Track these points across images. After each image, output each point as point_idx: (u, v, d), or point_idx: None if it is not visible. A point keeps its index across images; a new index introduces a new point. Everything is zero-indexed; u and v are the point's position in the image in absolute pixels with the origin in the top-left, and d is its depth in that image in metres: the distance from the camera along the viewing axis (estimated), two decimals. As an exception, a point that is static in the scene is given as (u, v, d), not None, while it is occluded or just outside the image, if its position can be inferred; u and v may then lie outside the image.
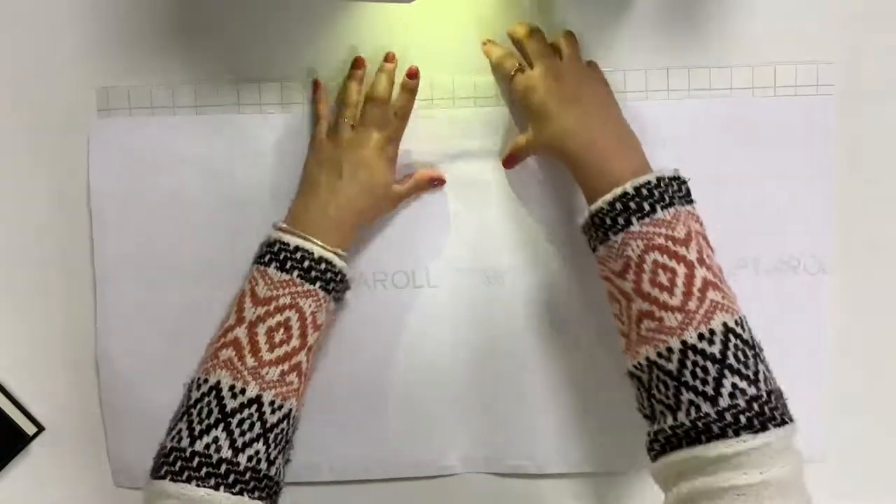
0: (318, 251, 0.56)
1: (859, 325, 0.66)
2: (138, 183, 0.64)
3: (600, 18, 0.63)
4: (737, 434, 0.45)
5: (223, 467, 0.50)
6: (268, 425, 0.53)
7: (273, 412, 0.53)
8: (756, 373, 0.48)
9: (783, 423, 0.47)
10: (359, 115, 0.60)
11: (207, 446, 0.50)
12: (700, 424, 0.47)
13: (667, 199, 0.51)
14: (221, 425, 0.51)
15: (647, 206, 0.51)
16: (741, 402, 0.46)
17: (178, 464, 0.50)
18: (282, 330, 0.54)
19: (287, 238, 0.56)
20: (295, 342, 0.55)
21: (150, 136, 0.64)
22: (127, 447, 0.66)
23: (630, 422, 0.61)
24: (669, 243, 0.50)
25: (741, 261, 0.64)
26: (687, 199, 0.53)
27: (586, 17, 0.63)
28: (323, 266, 0.56)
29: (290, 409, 0.54)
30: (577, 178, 0.57)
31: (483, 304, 0.64)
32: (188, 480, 0.49)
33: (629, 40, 0.63)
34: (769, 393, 0.47)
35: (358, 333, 0.64)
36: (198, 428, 0.51)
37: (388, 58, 0.61)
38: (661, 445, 0.50)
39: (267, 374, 0.53)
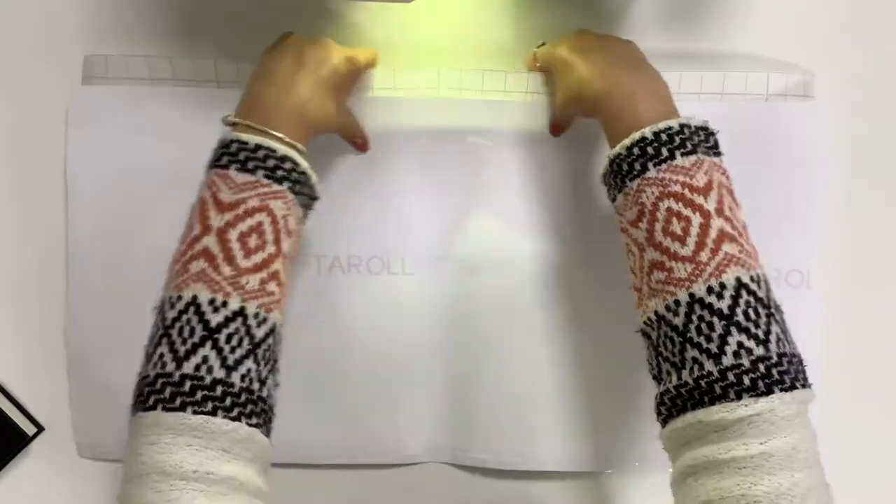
0: (281, 149, 0.51)
1: (844, 340, 0.65)
2: (116, 154, 0.63)
3: (597, 19, 0.64)
4: (738, 397, 0.43)
5: (218, 389, 0.45)
6: (256, 340, 0.48)
7: (259, 325, 0.48)
8: (767, 332, 0.44)
9: (793, 387, 0.43)
10: None
11: (197, 367, 0.45)
12: (703, 384, 0.44)
13: (689, 146, 0.48)
14: (209, 343, 0.46)
15: (665, 152, 0.48)
16: (745, 362, 0.44)
17: (168, 390, 0.45)
18: (255, 235, 0.49)
19: (245, 136, 0.51)
20: (270, 248, 0.50)
21: (129, 108, 0.63)
22: (93, 420, 0.65)
23: (600, 418, 0.64)
24: (686, 191, 0.47)
25: None
26: (714, 150, 0.50)
27: (585, 16, 0.64)
28: (288, 165, 0.51)
29: (275, 323, 0.50)
30: (603, 127, 0.54)
31: (458, 294, 0.64)
32: (182, 407, 0.44)
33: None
34: (781, 356, 0.44)
35: (329, 317, 0.64)
36: (182, 349, 0.46)
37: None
38: (667, 409, 0.47)
39: (247, 283, 0.48)
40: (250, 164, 0.50)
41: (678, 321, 0.46)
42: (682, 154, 0.48)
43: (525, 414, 0.64)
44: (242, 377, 0.47)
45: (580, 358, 0.64)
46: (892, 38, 0.65)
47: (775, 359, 0.44)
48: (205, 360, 0.46)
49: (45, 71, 0.64)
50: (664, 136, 0.49)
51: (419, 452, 0.65)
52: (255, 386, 0.47)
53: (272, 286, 0.50)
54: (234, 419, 0.45)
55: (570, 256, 0.64)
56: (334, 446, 0.64)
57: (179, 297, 0.47)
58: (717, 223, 0.47)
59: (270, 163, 0.50)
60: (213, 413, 0.45)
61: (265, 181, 0.50)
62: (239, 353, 0.47)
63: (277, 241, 0.50)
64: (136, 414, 0.46)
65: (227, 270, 0.48)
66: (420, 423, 0.64)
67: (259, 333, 0.48)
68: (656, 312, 0.48)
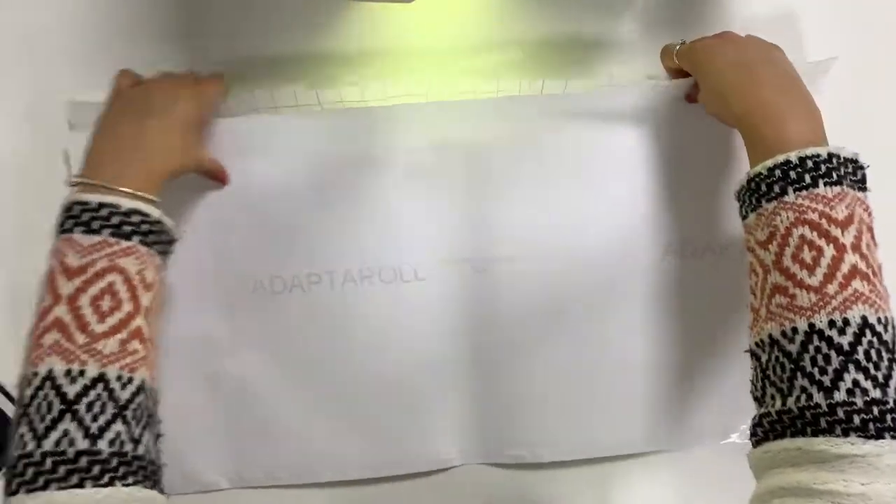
0: (125, 203, 0.49)
1: None
2: None
3: (598, 17, 0.64)
4: (845, 434, 0.41)
5: (83, 459, 0.45)
6: (121, 402, 0.47)
7: (123, 387, 0.47)
8: (887, 377, 0.43)
9: None
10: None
11: (58, 442, 0.45)
12: (808, 414, 0.43)
13: (834, 176, 0.47)
14: (68, 415, 0.45)
15: (808, 179, 0.47)
16: (859, 402, 0.42)
17: (30, 471, 0.44)
18: (108, 297, 0.48)
19: (87, 196, 0.49)
20: (127, 307, 0.49)
21: None
22: None
23: (625, 408, 0.64)
24: (823, 221, 0.46)
25: (730, 239, 0.63)
26: (860, 185, 0.49)
27: (588, 16, 0.64)
28: (136, 218, 0.50)
29: (143, 381, 0.49)
30: (745, 142, 0.53)
31: (473, 294, 0.63)
32: (45, 486, 0.44)
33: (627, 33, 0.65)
34: None
35: (348, 331, 0.63)
36: (41, 426, 0.45)
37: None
38: (763, 431, 0.46)
39: (105, 347, 0.47)
40: (94, 225, 0.49)
41: (792, 348, 0.45)
42: (826, 184, 0.47)
43: (554, 404, 0.64)
44: (111, 442, 0.46)
45: (601, 343, 0.64)
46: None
47: (892, 405, 0.42)
48: (65, 433, 0.45)
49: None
50: (810, 163, 0.47)
51: (454, 456, 0.64)
52: (128, 447, 0.47)
53: (134, 344, 0.49)
54: (105, 485, 0.45)
55: (580, 244, 0.63)
56: (369, 460, 0.64)
57: (35, 374, 0.47)
58: (850, 258, 0.45)
59: (115, 220, 0.49)
60: (80, 485, 0.44)
61: (112, 240, 0.49)
62: (103, 419, 0.46)
63: (134, 298, 0.50)
64: (5, 500, 0.45)
65: (80, 338, 0.47)
66: (452, 427, 0.64)
67: (124, 395, 0.47)
68: (770, 336, 0.47)
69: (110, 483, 0.45)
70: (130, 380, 0.48)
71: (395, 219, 0.63)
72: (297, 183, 0.62)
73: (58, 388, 0.46)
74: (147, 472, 0.48)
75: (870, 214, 0.49)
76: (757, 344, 0.48)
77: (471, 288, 0.63)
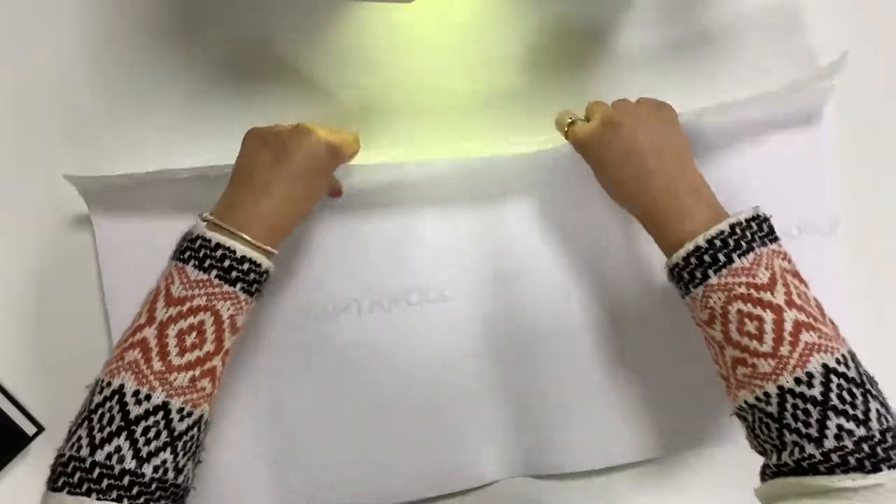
0: (240, 250, 0.51)
1: (868, 288, 0.67)
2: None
3: (598, 17, 0.64)
4: (845, 473, 0.44)
5: (126, 479, 0.47)
6: (175, 433, 0.49)
7: (182, 419, 0.49)
8: (866, 412, 0.45)
9: None
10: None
11: (109, 456, 0.47)
12: (805, 465, 0.45)
13: (744, 245, 0.49)
14: (124, 434, 0.47)
15: (721, 258, 0.49)
16: (849, 444, 0.44)
17: (77, 475, 0.47)
18: (194, 333, 0.50)
19: (210, 234, 0.51)
20: (209, 346, 0.51)
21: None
22: None
23: (659, 407, 0.65)
24: (752, 291, 0.48)
25: None
26: (769, 237, 0.51)
27: (586, 16, 0.64)
28: (246, 266, 0.51)
29: (202, 416, 0.51)
30: (651, 235, 0.55)
31: (498, 309, 0.64)
32: (87, 493, 0.46)
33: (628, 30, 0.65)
34: (884, 432, 0.45)
35: (380, 356, 0.64)
36: (98, 436, 0.48)
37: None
38: (771, 474, 0.49)
39: (175, 379, 0.49)
40: (206, 263, 0.51)
41: (772, 409, 0.47)
42: (739, 255, 0.49)
43: (589, 412, 0.65)
44: (156, 468, 0.48)
45: (630, 350, 0.65)
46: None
47: (878, 437, 0.44)
48: (118, 449, 0.47)
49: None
50: (718, 242, 0.49)
51: (495, 470, 0.65)
52: (171, 475, 0.49)
53: (204, 382, 0.51)
54: None
55: (599, 250, 0.65)
56: (412, 482, 0.65)
57: (108, 384, 0.49)
58: (790, 315, 0.47)
59: (226, 263, 0.51)
60: (118, 501, 0.46)
61: (216, 282, 0.51)
62: (154, 445, 0.48)
63: (218, 340, 0.51)
64: (46, 492, 0.48)
65: (157, 365, 0.49)
66: (491, 442, 0.65)
67: (181, 427, 0.49)
68: (746, 402, 0.49)
69: None
70: (190, 414, 0.50)
71: (416, 237, 0.64)
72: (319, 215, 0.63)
73: (123, 405, 0.48)
74: (177, 497, 0.50)
75: (789, 260, 0.51)
76: (739, 408, 0.51)
77: (496, 303, 0.64)
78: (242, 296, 0.52)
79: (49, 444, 0.67)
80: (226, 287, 0.51)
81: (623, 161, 0.54)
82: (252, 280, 0.52)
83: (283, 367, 0.64)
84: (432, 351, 0.64)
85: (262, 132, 0.55)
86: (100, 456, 0.47)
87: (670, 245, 0.52)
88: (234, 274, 0.51)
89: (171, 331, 0.50)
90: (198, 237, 0.52)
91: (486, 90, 0.64)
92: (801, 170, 0.65)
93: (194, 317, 0.50)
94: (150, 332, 0.50)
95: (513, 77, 0.64)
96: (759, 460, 0.50)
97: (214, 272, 0.51)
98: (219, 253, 0.51)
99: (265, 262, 0.53)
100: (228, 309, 0.51)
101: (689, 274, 0.50)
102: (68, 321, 0.66)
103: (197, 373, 0.50)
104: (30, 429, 0.66)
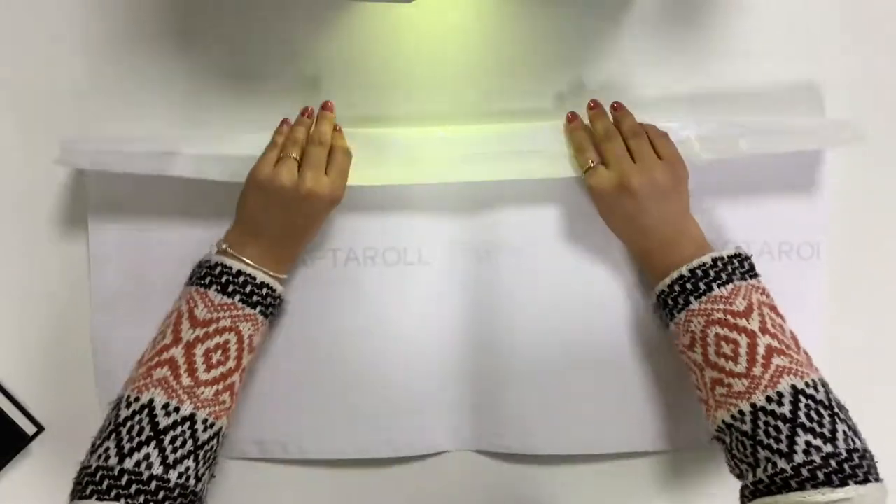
0: (260, 277, 0.57)
1: (852, 310, 0.67)
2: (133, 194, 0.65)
3: (598, 17, 0.64)
4: (815, 488, 0.48)
5: (153, 484, 0.51)
6: (199, 442, 0.53)
7: (205, 430, 0.54)
8: (833, 431, 0.49)
9: (866, 481, 0.48)
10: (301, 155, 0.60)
11: (138, 464, 0.51)
12: (778, 480, 0.49)
13: (724, 276, 0.55)
14: (153, 443, 0.52)
15: (702, 286, 0.55)
16: (817, 459, 0.48)
17: (106, 482, 0.50)
18: (220, 351, 0.55)
19: (230, 262, 0.57)
20: (231, 364, 0.55)
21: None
22: None
23: (622, 402, 0.65)
24: (728, 317, 0.54)
25: (732, 245, 0.63)
26: (749, 273, 0.57)
27: (586, 16, 0.64)
28: (264, 291, 0.57)
29: (221, 427, 0.56)
30: (641, 267, 0.62)
31: (475, 281, 0.64)
32: (117, 499, 0.50)
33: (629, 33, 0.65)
34: (850, 451, 0.49)
35: (348, 310, 0.64)
36: (127, 446, 0.51)
37: (327, 106, 0.62)
38: (749, 495, 0.52)
39: (202, 393, 0.54)
40: (230, 288, 0.56)
41: (746, 427, 0.52)
42: (719, 285, 0.55)
43: (548, 397, 0.64)
44: (180, 475, 0.52)
45: (603, 338, 0.64)
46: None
47: (845, 454, 0.49)
48: (146, 457, 0.51)
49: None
50: (699, 272, 0.56)
51: (444, 442, 0.65)
52: (192, 483, 0.53)
53: (225, 396, 0.55)
54: None
55: (586, 239, 0.64)
56: (361, 441, 0.65)
57: (137, 399, 0.53)
58: (763, 340, 0.53)
59: (248, 288, 0.56)
60: None
61: (240, 305, 0.56)
62: (181, 452, 0.52)
63: (239, 358, 0.56)
64: (72, 502, 0.52)
65: (186, 380, 0.54)
66: (445, 412, 0.65)
67: (204, 437, 0.54)
68: (724, 421, 0.54)
69: None
70: (213, 425, 0.54)
71: (404, 201, 0.64)
72: None
73: (153, 417, 0.52)
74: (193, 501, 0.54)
75: (768, 296, 0.56)
76: (718, 430, 0.55)
77: (474, 274, 0.64)
78: (261, 318, 0.57)
79: (49, 444, 0.67)
80: (247, 310, 0.56)
81: (629, 219, 0.59)
82: (269, 304, 0.58)
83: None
84: (401, 313, 0.64)
85: (264, 184, 0.57)
86: (128, 464, 0.51)
87: (658, 275, 0.58)
88: (254, 298, 0.57)
89: (199, 349, 0.54)
90: (218, 264, 0.57)
91: (485, 90, 0.64)
92: (791, 188, 0.65)
93: (220, 336, 0.55)
94: (177, 352, 0.54)
95: (513, 77, 0.64)
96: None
97: (238, 296, 0.56)
98: (241, 279, 0.56)
99: (279, 288, 0.59)
100: (249, 329, 0.56)
101: (672, 300, 0.57)
102: (68, 321, 0.66)
103: (220, 387, 0.55)
104: (30, 429, 0.67)
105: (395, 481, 0.66)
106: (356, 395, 0.64)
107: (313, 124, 0.61)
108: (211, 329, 0.55)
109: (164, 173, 0.60)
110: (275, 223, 0.58)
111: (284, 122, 0.61)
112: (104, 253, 0.65)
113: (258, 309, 0.57)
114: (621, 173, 0.58)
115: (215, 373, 0.54)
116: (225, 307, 0.55)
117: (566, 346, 0.64)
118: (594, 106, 0.62)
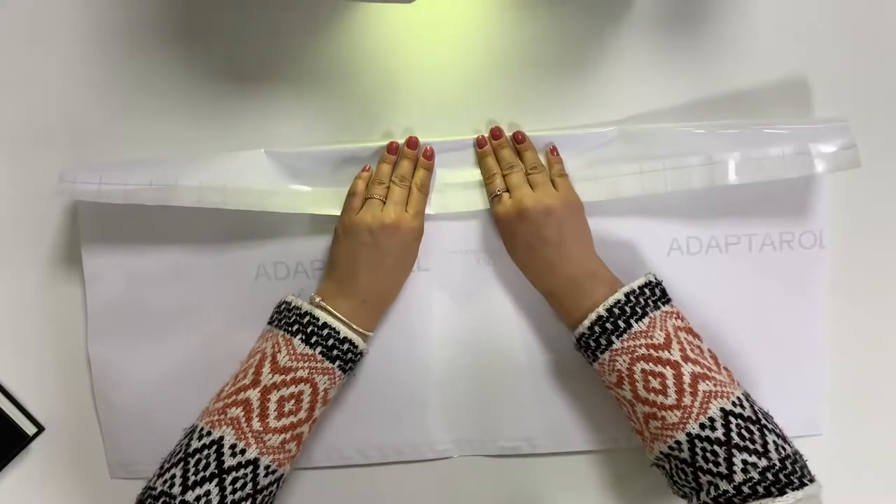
0: (344, 332, 0.58)
1: (855, 301, 0.67)
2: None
3: (598, 17, 0.64)
4: (757, 502, 0.51)
5: None
6: (258, 487, 0.54)
7: (266, 475, 0.55)
8: (764, 444, 0.52)
9: (802, 485, 0.51)
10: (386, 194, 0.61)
11: (198, 498, 0.52)
12: (722, 500, 0.52)
13: (639, 310, 0.56)
14: (216, 480, 0.53)
15: (621, 324, 0.56)
16: (755, 475, 0.51)
17: None
18: (293, 401, 0.56)
19: (318, 312, 0.58)
20: (303, 414, 0.56)
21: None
22: (123, 440, 0.66)
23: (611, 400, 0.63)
24: (651, 351, 0.55)
25: (735, 237, 0.65)
26: (661, 300, 0.58)
27: (586, 15, 0.64)
28: (346, 346, 0.58)
29: (283, 475, 0.57)
30: (554, 309, 0.62)
31: (474, 285, 0.65)
32: None
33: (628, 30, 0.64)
34: (783, 460, 0.52)
35: None
36: (192, 478, 0.52)
37: (411, 143, 0.63)
38: None
39: (269, 440, 0.55)
40: (313, 339, 0.57)
41: (685, 455, 0.54)
42: (636, 320, 0.56)
43: (549, 396, 0.65)
44: None
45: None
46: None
47: (778, 465, 0.51)
48: (206, 494, 0.52)
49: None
50: (616, 310, 0.56)
51: (449, 447, 0.66)
52: None
53: (291, 445, 0.56)
54: None
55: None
56: (367, 447, 0.66)
57: (209, 433, 0.54)
58: (687, 369, 0.54)
59: (330, 342, 0.57)
60: None
61: (320, 357, 0.57)
62: (239, 495, 0.53)
63: (311, 409, 0.57)
64: None
65: (256, 425, 0.54)
66: (449, 417, 0.66)
67: (264, 482, 0.55)
68: (662, 452, 0.56)
69: None
70: (275, 472, 0.56)
71: None
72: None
73: (220, 455, 0.53)
74: None
75: (682, 319, 0.58)
76: (657, 458, 0.57)
77: (473, 278, 0.65)
78: (339, 372, 0.58)
79: (49, 444, 0.67)
80: (326, 363, 0.57)
81: (528, 249, 0.61)
82: (348, 359, 0.59)
83: (241, 322, 0.64)
84: (400, 318, 0.64)
85: (349, 229, 0.60)
86: (190, 496, 0.52)
87: (574, 320, 0.59)
88: (335, 352, 0.57)
89: (273, 396, 0.55)
90: (307, 313, 0.58)
91: (485, 90, 0.64)
92: (791, 180, 0.63)
93: (296, 386, 0.56)
94: (253, 394, 0.55)
95: (512, 78, 0.64)
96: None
97: (319, 349, 0.57)
98: (325, 332, 0.57)
99: (362, 345, 0.59)
100: (325, 383, 0.57)
101: (594, 342, 0.57)
102: (68, 322, 0.66)
103: (288, 436, 0.56)
104: (30, 429, 0.66)
105: (395, 481, 0.67)
106: (361, 402, 0.65)
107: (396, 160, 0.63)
108: (289, 377, 0.56)
109: (166, 203, 0.60)
110: (365, 269, 0.59)
111: (366, 168, 0.63)
112: (97, 272, 0.65)
113: (337, 363, 0.58)
114: (518, 198, 0.60)
115: (285, 421, 0.55)
116: (305, 357, 0.56)
117: (561, 349, 0.65)
118: (498, 135, 0.63)
